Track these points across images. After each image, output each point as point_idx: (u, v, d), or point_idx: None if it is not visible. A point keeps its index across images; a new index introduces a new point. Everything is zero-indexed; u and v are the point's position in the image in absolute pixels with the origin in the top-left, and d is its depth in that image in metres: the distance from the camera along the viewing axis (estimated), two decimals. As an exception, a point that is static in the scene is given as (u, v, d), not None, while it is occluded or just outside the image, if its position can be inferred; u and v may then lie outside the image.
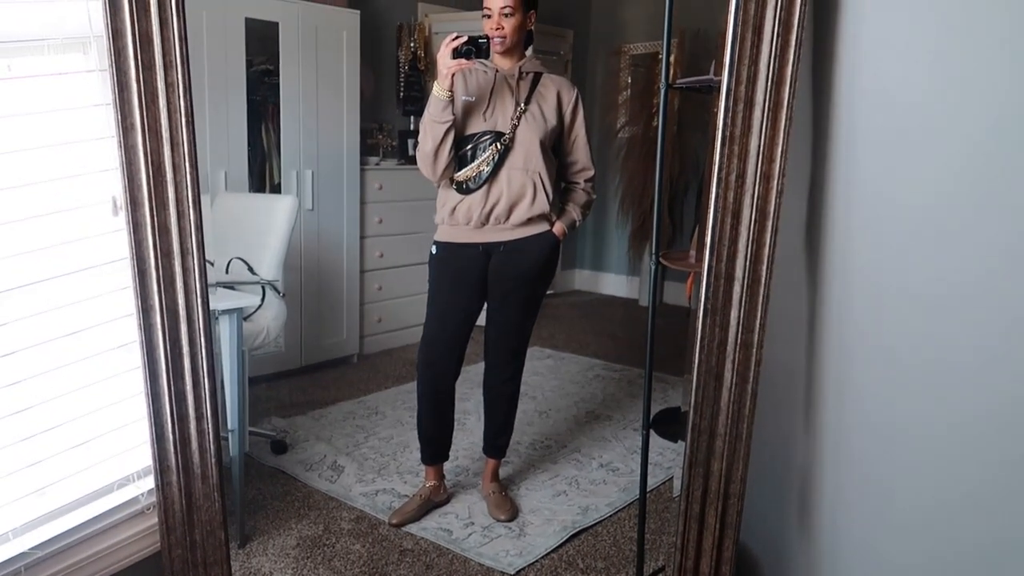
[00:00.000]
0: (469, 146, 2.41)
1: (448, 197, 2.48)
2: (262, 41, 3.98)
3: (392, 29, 4.92)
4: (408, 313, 4.71)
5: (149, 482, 1.47)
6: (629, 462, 3.17)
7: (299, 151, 4.13)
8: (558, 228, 2.51)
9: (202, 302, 1.36)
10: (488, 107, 2.42)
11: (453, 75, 2.28)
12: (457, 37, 2.23)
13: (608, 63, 6.07)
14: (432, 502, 2.71)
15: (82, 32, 1.30)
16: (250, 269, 3.18)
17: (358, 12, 4.32)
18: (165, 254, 1.34)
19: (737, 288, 1.37)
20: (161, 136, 1.30)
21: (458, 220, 2.46)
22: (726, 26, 1.29)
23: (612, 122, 5.90)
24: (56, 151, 1.36)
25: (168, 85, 1.28)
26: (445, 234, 2.54)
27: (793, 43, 1.24)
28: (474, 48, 2.24)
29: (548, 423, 3.56)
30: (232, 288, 3.04)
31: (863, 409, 1.33)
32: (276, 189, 4.20)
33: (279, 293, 3.20)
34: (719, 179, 1.34)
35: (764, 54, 1.26)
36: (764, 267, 1.34)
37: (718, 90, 1.35)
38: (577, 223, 2.57)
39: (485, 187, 2.40)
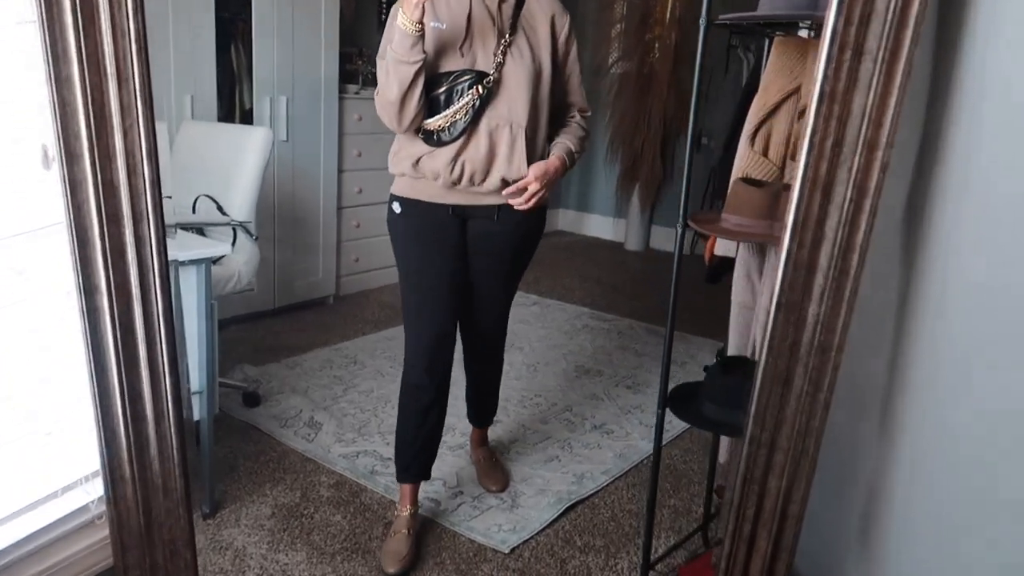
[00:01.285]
0: (442, 88, 1.86)
1: (411, 146, 1.93)
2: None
3: (373, -55, 4.45)
4: (387, 253, 4.33)
5: (100, 485, 1.19)
6: (623, 423, 2.96)
7: (273, 76, 3.73)
8: (552, 161, 1.94)
9: (161, 280, 1.06)
10: (465, 40, 1.88)
11: (424, 1, 1.72)
12: None
13: (602, -7, 5.64)
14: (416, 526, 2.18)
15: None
16: (219, 208, 2.84)
17: (339, -76, 3.88)
18: (112, 219, 1.03)
19: (819, 280, 1.11)
20: (104, 68, 0.97)
21: (423, 174, 1.93)
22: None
23: (604, 57, 5.50)
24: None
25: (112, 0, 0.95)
26: (408, 188, 2.00)
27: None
28: None
29: (537, 378, 3.33)
30: (201, 233, 2.72)
31: (951, 431, 1.11)
32: (246, 116, 3.81)
33: (252, 236, 2.88)
34: (811, 145, 1.06)
35: (886, -12, 0.96)
36: (855, 256, 1.08)
37: (814, 29, 1.06)
38: (575, 153, 2.01)
39: (460, 140, 1.87)
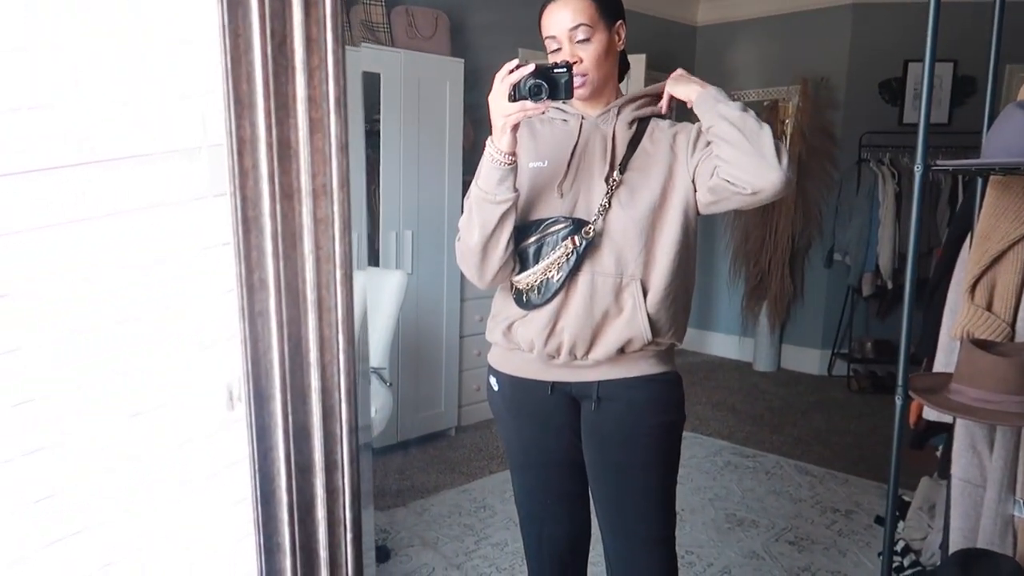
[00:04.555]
0: (532, 238, 1.48)
1: (506, 307, 1.57)
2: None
3: (491, 77, 4.49)
4: (509, 381, 4.22)
5: None
6: (794, 592, 2.57)
7: (399, 211, 3.69)
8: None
9: (353, 540, 0.87)
10: (566, 177, 1.49)
11: (516, 127, 1.38)
12: (519, 66, 1.34)
13: (717, 109, 5.52)
14: None
15: (187, 142, 0.83)
16: (354, 355, 2.73)
17: (462, 60, 3.90)
18: (302, 470, 0.85)
19: None
20: (303, 296, 0.81)
21: (516, 343, 1.56)
22: None
23: (723, 172, 5.34)
24: (156, 311, 0.90)
25: (318, 220, 0.80)
26: (501, 360, 1.64)
27: None
28: (546, 84, 1.33)
29: (685, 529, 2.98)
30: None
31: None
32: (369, 244, 3.77)
33: (386, 382, 2.74)
34: None
35: None
36: None
37: None
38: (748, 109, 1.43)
39: (556, 301, 1.48)
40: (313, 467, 0.86)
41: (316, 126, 0.80)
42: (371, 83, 3.55)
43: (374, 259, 3.73)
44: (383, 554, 2.77)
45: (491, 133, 1.40)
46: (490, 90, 1.36)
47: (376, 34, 3.70)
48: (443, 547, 2.84)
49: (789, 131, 4.91)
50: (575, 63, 1.43)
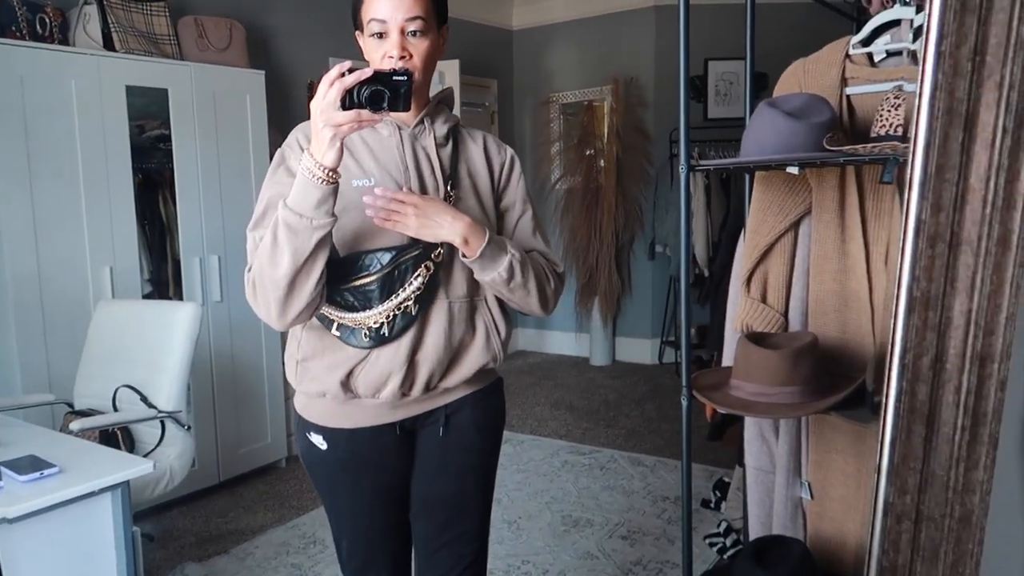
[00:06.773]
0: (373, 274, 1.28)
1: (330, 350, 1.34)
2: (153, 105, 3.27)
3: (302, 88, 4.26)
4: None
5: None
6: (626, 589, 2.57)
7: (201, 235, 3.40)
8: (462, 218, 1.28)
9: None
10: None
11: (342, 141, 1.15)
12: (352, 69, 1.12)
13: (537, 113, 5.56)
14: None
15: None
16: (144, 400, 2.44)
17: (262, 72, 3.65)
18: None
19: (968, 259, 0.73)
20: None
21: (357, 392, 1.34)
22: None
23: (546, 175, 5.38)
24: None
25: None
26: (334, 415, 1.39)
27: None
28: (388, 92, 1.13)
29: (522, 538, 2.92)
30: (113, 444, 2.31)
31: None
32: (179, 267, 3.45)
33: (183, 426, 2.47)
34: (903, 365, 0.76)
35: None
36: (976, 498, 0.77)
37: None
38: (517, 262, 1.32)
39: (410, 335, 1.31)
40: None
41: None
42: (161, 99, 3.25)
43: (177, 290, 3.42)
44: (199, 612, 2.52)
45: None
46: (311, 96, 1.16)
47: (160, 47, 3.39)
48: (268, 594, 2.63)
49: (605, 130, 5.01)
50: (404, 58, 1.27)
